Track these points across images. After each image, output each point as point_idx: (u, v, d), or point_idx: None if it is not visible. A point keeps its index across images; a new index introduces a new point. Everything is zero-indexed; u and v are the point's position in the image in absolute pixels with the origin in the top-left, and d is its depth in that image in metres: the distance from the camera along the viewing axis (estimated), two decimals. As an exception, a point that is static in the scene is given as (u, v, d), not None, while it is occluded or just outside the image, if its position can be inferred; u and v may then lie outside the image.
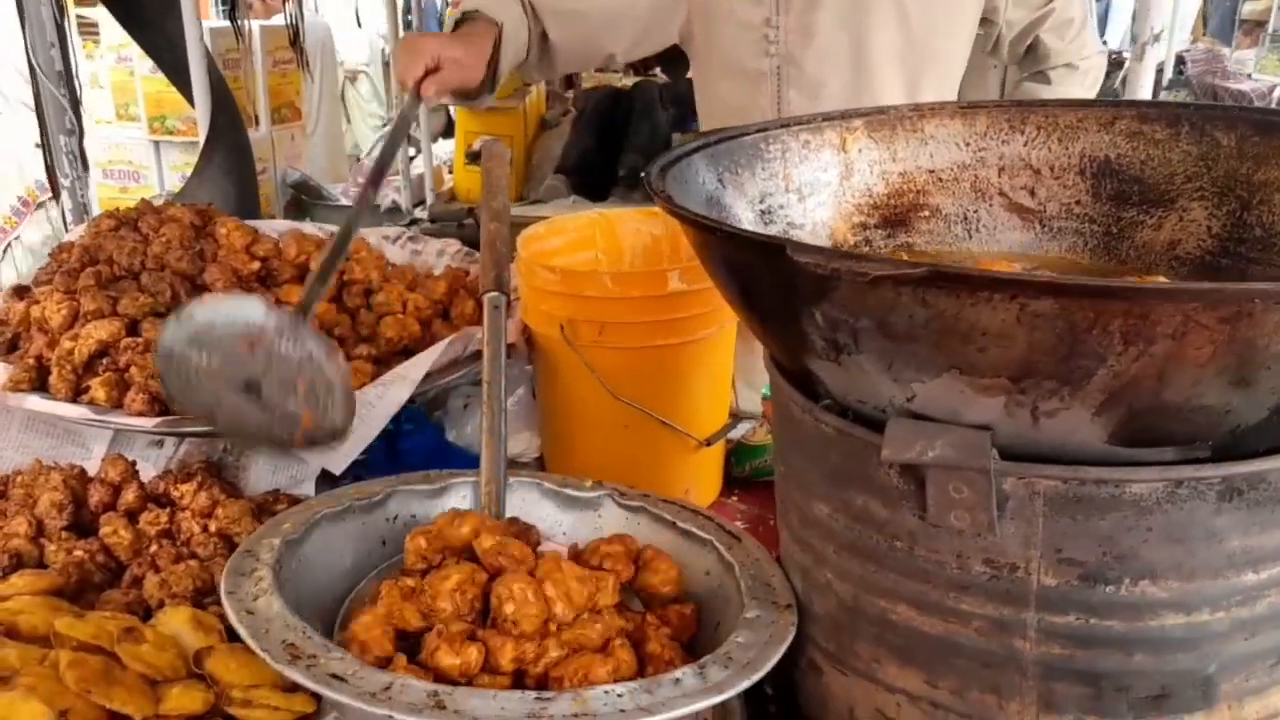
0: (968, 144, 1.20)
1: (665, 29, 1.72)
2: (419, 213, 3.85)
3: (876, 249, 1.18)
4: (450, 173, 4.59)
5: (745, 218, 1.08)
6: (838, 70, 1.63)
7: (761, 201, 1.11)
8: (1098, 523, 0.71)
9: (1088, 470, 0.70)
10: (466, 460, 1.53)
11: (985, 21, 1.71)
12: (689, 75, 1.96)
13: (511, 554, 0.92)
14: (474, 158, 4.41)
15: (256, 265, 1.42)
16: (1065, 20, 1.75)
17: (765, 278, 0.75)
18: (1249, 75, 3.92)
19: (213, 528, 1.10)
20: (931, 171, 1.20)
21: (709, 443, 1.40)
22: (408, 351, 1.35)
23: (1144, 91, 1.48)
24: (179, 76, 2.89)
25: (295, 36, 3.51)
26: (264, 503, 1.17)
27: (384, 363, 1.32)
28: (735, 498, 1.47)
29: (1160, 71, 3.46)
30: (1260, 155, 1.05)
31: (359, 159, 5.72)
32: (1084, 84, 1.80)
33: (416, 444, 1.51)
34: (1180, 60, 3.98)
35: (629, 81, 4.74)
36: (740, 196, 1.09)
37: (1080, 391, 0.64)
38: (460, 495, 1.11)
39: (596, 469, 1.41)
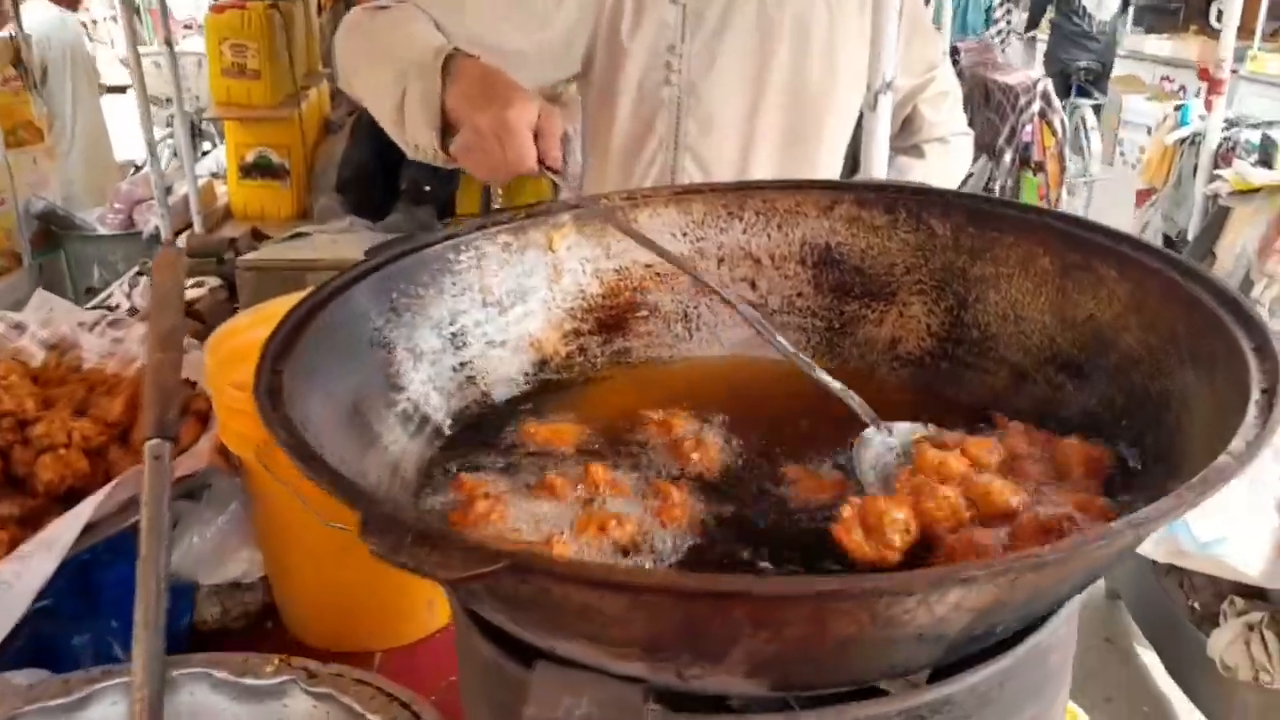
0: (685, 233, 1.10)
1: (572, 57, 1.54)
2: (181, 241, 3.52)
3: (592, 358, 1.07)
4: (224, 185, 4.24)
5: (430, 346, 0.95)
6: (733, 103, 1.53)
7: (452, 323, 0.98)
8: (776, 768, 0.62)
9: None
10: (176, 591, 1.35)
11: None
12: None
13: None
14: (249, 170, 4.09)
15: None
16: (941, 92, 1.73)
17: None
18: (1015, 68, 4.09)
19: None
20: (649, 265, 1.10)
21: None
22: (73, 496, 1.15)
23: (881, 142, 1.43)
24: None
25: (17, 56, 3.10)
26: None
27: (36, 520, 1.12)
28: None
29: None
30: (975, 249, 1.00)
31: (137, 167, 5.24)
32: (954, 161, 1.77)
33: (116, 576, 1.31)
34: (955, 51, 4.09)
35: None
36: (423, 323, 0.95)
37: (722, 663, 0.55)
38: (109, 705, 0.94)
39: (322, 593, 1.27)
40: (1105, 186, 4.64)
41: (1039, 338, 0.93)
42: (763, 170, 1.55)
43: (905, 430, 0.86)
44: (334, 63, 1.50)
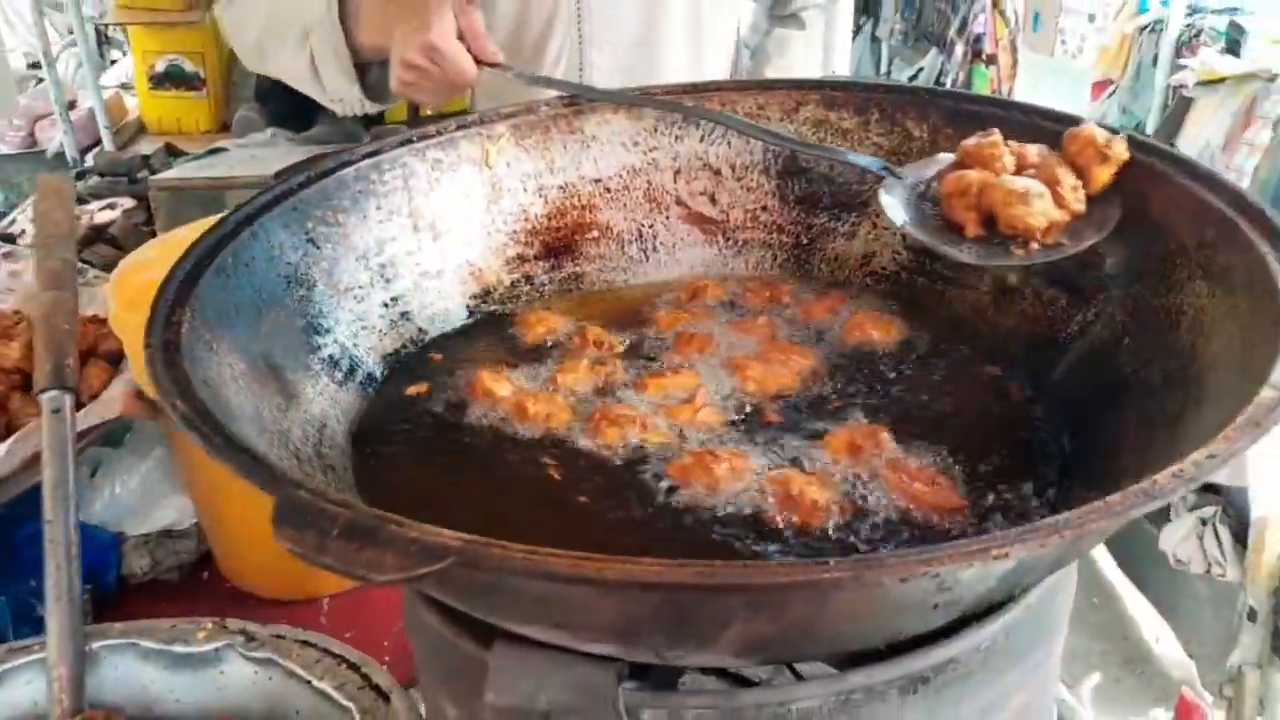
0: (636, 143, 1.00)
1: None
2: (90, 160, 3.28)
3: (539, 286, 0.97)
4: (135, 98, 3.96)
5: (355, 281, 0.85)
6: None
7: (379, 253, 0.88)
8: (761, 748, 0.56)
9: (742, 696, 0.54)
10: (100, 545, 1.26)
11: None
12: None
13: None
14: (160, 81, 3.81)
15: None
16: None
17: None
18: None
19: None
20: (598, 181, 1.00)
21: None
22: (-33, 454, 1.04)
23: (843, 38, 1.33)
24: None
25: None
26: None
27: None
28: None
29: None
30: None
31: (39, 78, 4.87)
32: (838, 24, 1.63)
33: (32, 532, 1.21)
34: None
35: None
36: (346, 255, 0.85)
37: (709, 646, 0.48)
38: (23, 684, 0.85)
39: (262, 538, 1.18)
40: (1049, 78, 4.55)
41: (1026, 249, 0.85)
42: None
43: (919, 166, 0.85)
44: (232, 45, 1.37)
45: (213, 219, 0.77)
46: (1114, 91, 3.29)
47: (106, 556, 1.27)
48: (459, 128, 0.94)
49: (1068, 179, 0.74)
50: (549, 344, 0.88)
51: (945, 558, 0.38)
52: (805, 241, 0.99)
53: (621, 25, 1.39)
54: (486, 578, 0.43)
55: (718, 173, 1.00)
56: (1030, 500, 0.66)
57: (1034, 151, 0.78)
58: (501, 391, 0.78)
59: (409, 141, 0.91)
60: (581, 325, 0.88)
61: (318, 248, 0.82)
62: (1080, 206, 0.74)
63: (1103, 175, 0.74)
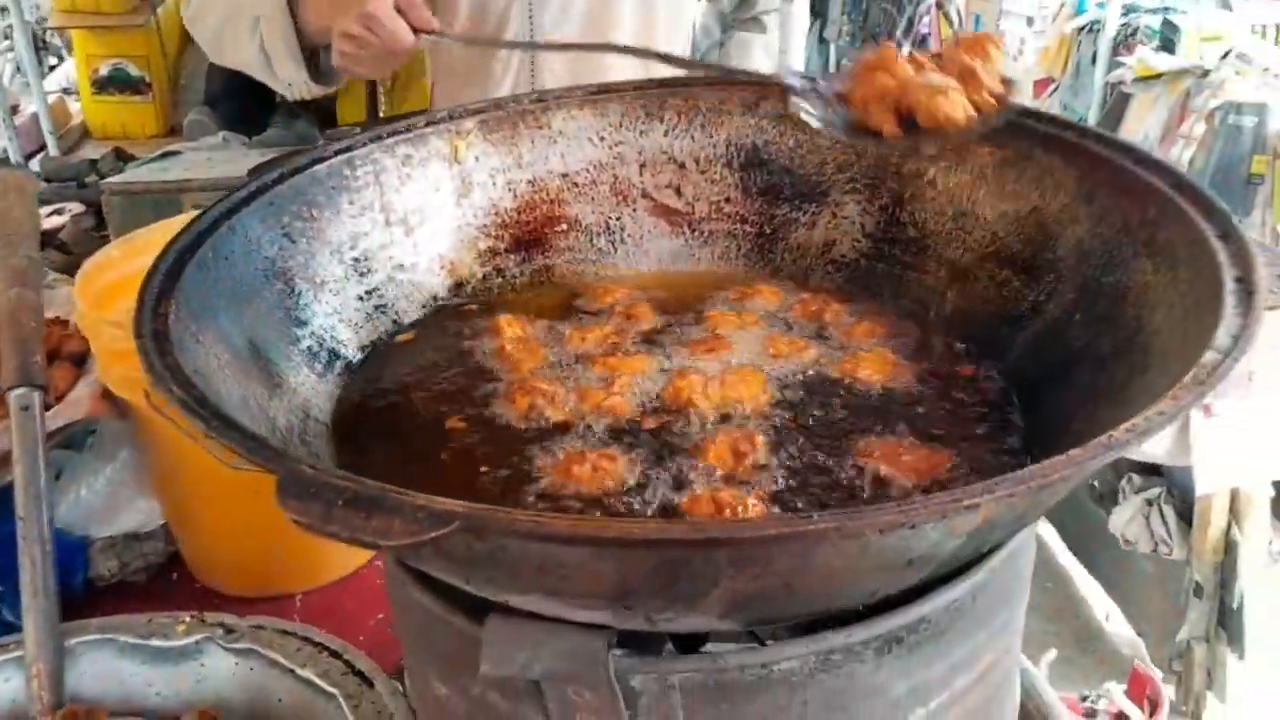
0: (602, 138, 1.02)
1: None
2: (35, 165, 3.22)
3: (511, 278, 0.99)
4: (79, 102, 3.89)
5: (331, 275, 0.86)
6: None
7: (353, 247, 0.89)
8: (745, 708, 0.58)
9: (726, 658, 0.57)
10: (67, 548, 1.25)
11: None
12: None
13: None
14: (104, 85, 3.75)
15: None
16: None
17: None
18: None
19: None
20: (565, 175, 1.02)
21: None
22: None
23: (801, 28, 1.36)
24: None
25: None
26: None
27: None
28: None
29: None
30: (907, 143, 0.95)
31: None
32: (793, 26, 1.66)
33: (3, 536, 1.20)
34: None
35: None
36: (322, 249, 0.86)
37: (697, 606, 0.50)
38: (1, 681, 0.85)
39: (231, 538, 1.18)
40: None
41: (980, 234, 0.89)
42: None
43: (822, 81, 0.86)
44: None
45: (176, 219, 0.78)
46: (1055, 89, 3.39)
47: (74, 559, 1.26)
48: (428, 124, 0.96)
49: (979, 67, 0.78)
50: (601, 310, 0.93)
51: (921, 509, 0.41)
52: (768, 232, 1.02)
53: (572, 16, 1.40)
54: (487, 544, 0.45)
55: (682, 166, 1.03)
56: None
57: (925, 58, 0.82)
58: (507, 333, 0.85)
59: (380, 138, 0.93)
60: (635, 302, 0.93)
61: (293, 242, 0.83)
62: (998, 88, 0.78)
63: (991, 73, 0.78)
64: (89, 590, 1.24)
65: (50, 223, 2.70)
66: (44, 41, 5.45)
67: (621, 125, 1.02)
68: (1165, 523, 2.03)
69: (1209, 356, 0.52)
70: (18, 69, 4.42)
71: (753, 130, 1.02)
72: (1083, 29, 3.27)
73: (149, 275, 0.66)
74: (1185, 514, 2.07)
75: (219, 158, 2.50)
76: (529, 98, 1.01)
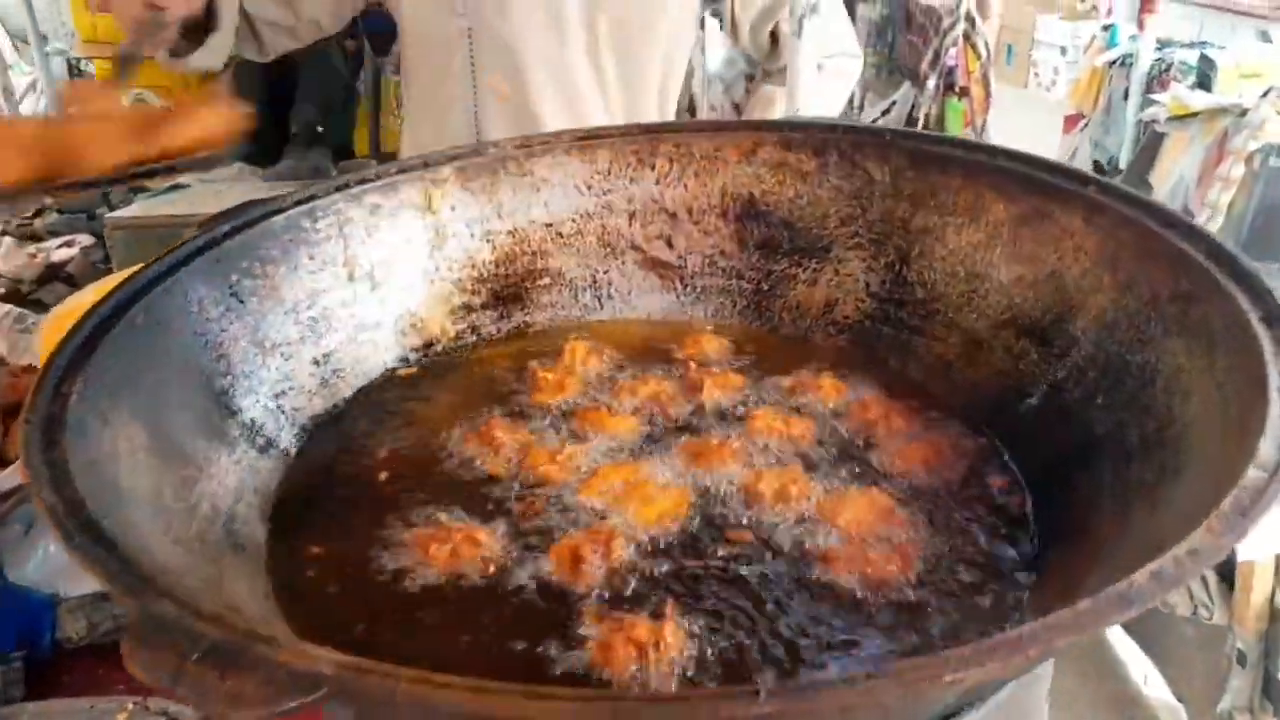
0: (590, 186, 0.96)
1: None
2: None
3: (485, 336, 0.92)
4: (103, 134, 3.89)
5: (285, 338, 0.79)
6: (533, 31, 1.29)
7: (311, 305, 0.82)
8: None
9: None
10: (34, 607, 1.19)
11: None
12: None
13: None
14: (128, 116, 3.75)
15: None
16: (810, 4, 1.40)
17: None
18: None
19: None
20: (549, 225, 0.95)
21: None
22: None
23: (805, 75, 1.29)
24: None
25: None
26: None
27: None
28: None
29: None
30: (917, 195, 0.88)
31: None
32: (829, 88, 1.54)
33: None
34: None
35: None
36: (274, 309, 0.79)
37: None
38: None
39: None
40: (1025, 112, 4.56)
41: (994, 298, 0.81)
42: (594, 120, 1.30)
43: None
44: None
45: (136, 267, 0.72)
46: (1085, 125, 3.28)
47: (41, 619, 1.20)
48: (400, 171, 0.90)
49: None
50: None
51: (891, 684, 0.33)
52: (765, 288, 0.94)
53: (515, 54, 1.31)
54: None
55: (674, 216, 0.96)
56: (1001, 578, 0.61)
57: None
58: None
59: (344, 187, 0.87)
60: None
61: (241, 302, 0.76)
62: None
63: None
64: (57, 651, 1.18)
65: (60, 255, 2.68)
66: (78, 70, 5.50)
67: (610, 172, 0.95)
68: (1206, 585, 1.91)
69: (1252, 475, 0.43)
70: (39, 96, 4.44)
71: (749, 179, 0.94)
72: (1115, 63, 3.16)
73: (60, 346, 0.60)
74: (1227, 577, 1.95)
75: (229, 190, 2.47)
76: (511, 143, 0.94)
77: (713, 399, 0.80)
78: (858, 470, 0.72)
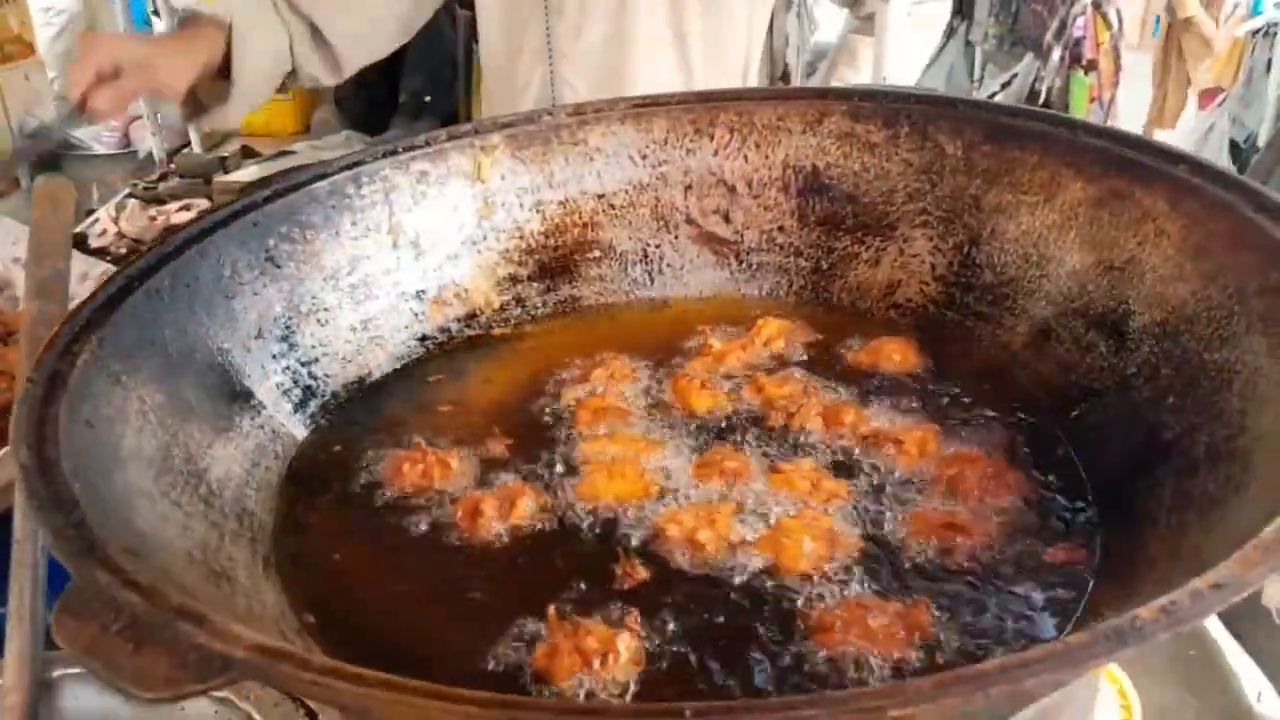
0: (644, 157, 0.92)
1: None
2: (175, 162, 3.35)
3: (531, 309, 0.90)
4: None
5: (323, 303, 0.79)
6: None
7: (351, 272, 0.82)
8: None
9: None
10: (59, 575, 1.24)
11: None
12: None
13: None
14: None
15: None
16: None
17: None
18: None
19: None
20: (600, 196, 0.92)
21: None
22: None
23: (895, 20, 1.20)
24: None
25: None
26: None
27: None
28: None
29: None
30: (991, 171, 0.81)
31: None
32: (923, 40, 1.46)
33: None
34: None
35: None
36: (312, 274, 0.79)
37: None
38: (-29, 711, 0.82)
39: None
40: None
41: (1066, 285, 0.74)
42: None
43: None
44: None
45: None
46: (1224, 100, 3.03)
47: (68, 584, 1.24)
48: (449, 138, 0.88)
49: None
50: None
51: (825, 714, 0.29)
52: (825, 267, 0.89)
53: (589, 31, 1.29)
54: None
55: (733, 189, 0.92)
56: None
57: None
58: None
59: (393, 153, 0.85)
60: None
61: (278, 266, 0.76)
62: None
63: None
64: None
65: (179, 218, 2.80)
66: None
67: (667, 142, 0.92)
68: (1328, 601, 1.76)
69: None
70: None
71: (813, 151, 0.89)
72: (1257, 32, 2.89)
73: (76, 309, 0.60)
74: (1353, 592, 1.79)
75: (334, 156, 2.52)
76: (564, 110, 0.92)
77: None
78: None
